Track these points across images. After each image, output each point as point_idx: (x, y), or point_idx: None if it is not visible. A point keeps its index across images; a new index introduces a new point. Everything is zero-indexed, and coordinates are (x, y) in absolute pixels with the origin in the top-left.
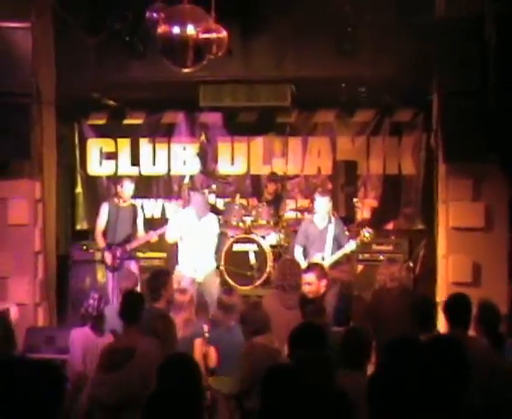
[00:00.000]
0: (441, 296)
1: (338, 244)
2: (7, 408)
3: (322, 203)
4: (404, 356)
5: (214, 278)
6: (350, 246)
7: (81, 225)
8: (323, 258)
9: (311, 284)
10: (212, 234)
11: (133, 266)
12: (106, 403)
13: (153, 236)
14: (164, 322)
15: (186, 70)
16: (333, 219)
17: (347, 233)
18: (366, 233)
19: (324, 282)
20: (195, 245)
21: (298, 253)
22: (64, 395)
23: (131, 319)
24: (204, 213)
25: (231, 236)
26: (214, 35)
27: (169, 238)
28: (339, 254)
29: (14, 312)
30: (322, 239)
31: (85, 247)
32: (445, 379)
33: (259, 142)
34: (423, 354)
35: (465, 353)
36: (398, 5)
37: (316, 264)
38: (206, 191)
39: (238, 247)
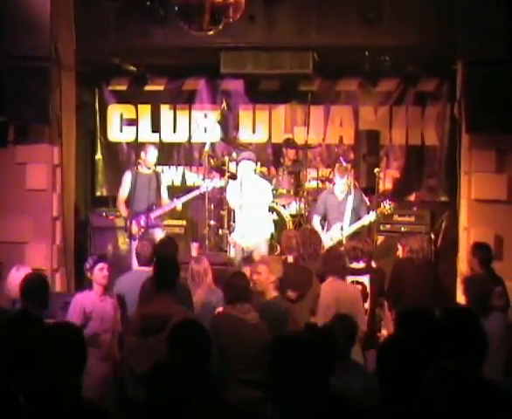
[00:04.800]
0: (463, 268)
1: (357, 216)
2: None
3: (341, 183)
4: (417, 327)
5: (263, 247)
6: (369, 217)
7: (101, 192)
8: (342, 228)
9: None
10: (265, 200)
11: (158, 234)
12: (137, 369)
13: (177, 204)
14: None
15: (204, 33)
16: (353, 190)
17: (368, 203)
18: (387, 205)
19: None
20: (246, 212)
21: (316, 222)
22: (85, 357)
23: (167, 287)
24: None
25: None
26: None
27: (231, 206)
28: (358, 225)
29: None
30: (341, 210)
31: (104, 214)
32: (459, 350)
33: (280, 110)
34: (437, 326)
35: (480, 325)
36: None
37: None
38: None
39: None
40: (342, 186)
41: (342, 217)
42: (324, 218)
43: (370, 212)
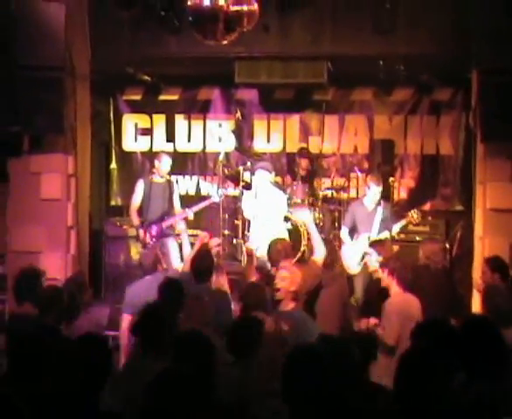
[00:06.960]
0: (477, 278)
1: (386, 227)
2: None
3: (377, 192)
4: (434, 338)
5: None
6: (395, 228)
7: (115, 201)
8: (369, 238)
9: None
10: (279, 211)
11: (171, 243)
12: None
13: (189, 214)
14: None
15: (218, 43)
16: (382, 202)
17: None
18: (415, 214)
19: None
20: (261, 222)
21: (344, 234)
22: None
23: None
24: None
25: None
26: (245, 7)
27: (246, 216)
28: (385, 235)
29: None
30: (370, 221)
31: (118, 223)
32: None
33: (295, 120)
34: (455, 337)
35: (500, 335)
36: None
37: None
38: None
39: None
40: (376, 195)
41: (370, 228)
42: (354, 230)
43: (398, 222)
